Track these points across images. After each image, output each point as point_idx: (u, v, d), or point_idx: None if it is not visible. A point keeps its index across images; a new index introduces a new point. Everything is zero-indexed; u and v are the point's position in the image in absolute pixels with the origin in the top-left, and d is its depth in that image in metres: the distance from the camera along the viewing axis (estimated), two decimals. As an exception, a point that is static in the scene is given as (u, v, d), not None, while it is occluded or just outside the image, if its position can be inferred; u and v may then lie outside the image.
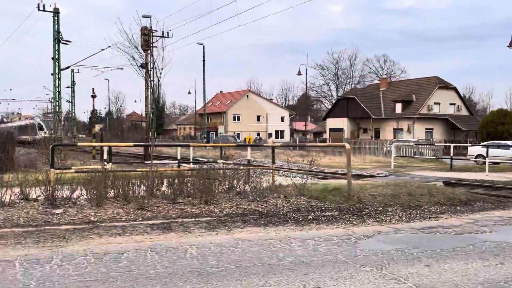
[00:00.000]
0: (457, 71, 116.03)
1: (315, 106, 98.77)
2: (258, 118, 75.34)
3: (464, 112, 53.66)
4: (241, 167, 10.92)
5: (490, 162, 18.68)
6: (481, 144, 26.82)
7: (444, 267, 4.69)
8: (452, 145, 21.66)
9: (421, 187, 9.71)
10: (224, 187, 9.15)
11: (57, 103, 33.86)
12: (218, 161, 13.70)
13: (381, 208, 8.22)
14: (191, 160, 15.61)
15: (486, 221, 7.40)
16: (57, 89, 33.76)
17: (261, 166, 12.31)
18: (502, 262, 4.91)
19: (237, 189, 9.18)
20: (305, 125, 57.87)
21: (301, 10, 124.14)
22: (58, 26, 33.42)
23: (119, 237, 5.87)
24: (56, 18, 33.21)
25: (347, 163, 9.13)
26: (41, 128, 48.05)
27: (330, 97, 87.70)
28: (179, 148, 14.19)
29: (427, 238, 6.13)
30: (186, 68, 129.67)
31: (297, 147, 35.76)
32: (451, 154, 20.10)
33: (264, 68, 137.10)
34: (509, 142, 25.19)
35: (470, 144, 29.51)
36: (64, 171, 9.29)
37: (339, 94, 76.68)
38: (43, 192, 7.70)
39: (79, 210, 7.28)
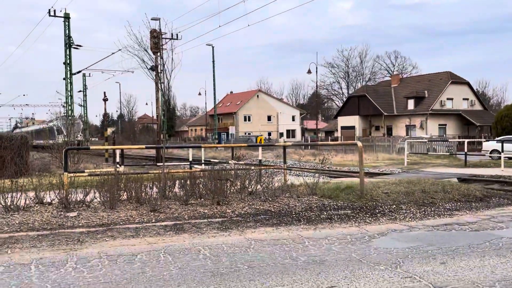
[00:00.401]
0: (470, 65, 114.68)
1: (326, 104, 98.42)
2: (269, 118, 75.30)
3: (477, 107, 52.99)
4: (253, 167, 10.91)
5: (505, 157, 18.39)
6: (496, 139, 26.43)
7: (460, 265, 4.62)
8: (466, 140, 21.36)
9: (435, 184, 9.59)
10: (236, 187, 9.15)
11: (69, 107, 34.26)
12: (230, 161, 13.73)
13: (394, 206, 8.15)
14: (203, 161, 15.68)
15: (502, 217, 7.28)
16: (69, 93, 34.18)
17: (272, 166, 12.30)
18: (519, 258, 4.82)
19: (249, 189, 9.17)
20: (316, 124, 57.65)
21: (310, 8, 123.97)
22: (69, 31, 33.82)
23: (133, 239, 5.90)
24: (66, 23, 33.60)
25: (359, 161, 9.06)
26: (60, 132, 46.16)
27: (341, 95, 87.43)
28: (190, 150, 14.25)
29: (442, 236, 6.05)
30: (196, 70, 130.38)
31: (309, 146, 35.64)
32: (465, 150, 19.84)
33: (274, 68, 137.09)
34: (524, 137, 24.77)
35: (484, 139, 29.10)
36: (78, 174, 9.39)
37: (350, 92, 76.33)
38: (57, 196, 7.79)
39: (92, 213, 7.34)
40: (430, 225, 6.71)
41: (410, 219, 7.20)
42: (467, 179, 13.26)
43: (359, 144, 9.21)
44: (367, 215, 7.48)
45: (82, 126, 46.05)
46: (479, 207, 8.28)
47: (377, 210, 7.82)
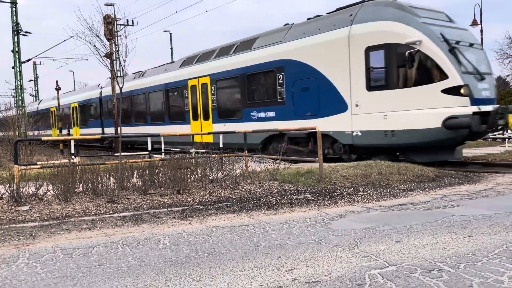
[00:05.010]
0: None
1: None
2: (230, 105, 74.69)
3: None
4: (213, 155, 10.83)
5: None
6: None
7: (413, 242, 4.79)
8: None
9: (390, 166, 9.88)
10: (196, 175, 9.07)
11: (19, 97, 32.68)
12: (191, 150, 13.53)
13: (352, 189, 8.33)
14: (163, 150, 15.39)
15: (453, 196, 7.60)
16: (18, 82, 32.58)
17: (233, 153, 12.26)
18: (469, 234, 5.05)
19: (210, 177, 9.11)
20: (277, 111, 57.91)
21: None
22: (17, 17, 32.12)
23: (89, 231, 5.73)
24: (14, 9, 31.90)
25: (318, 146, 9.19)
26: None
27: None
28: (149, 139, 13.95)
29: (397, 215, 6.25)
30: (155, 56, 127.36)
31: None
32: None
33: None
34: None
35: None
36: (30, 167, 8.99)
37: (310, 78, 76.72)
38: (8, 190, 7.43)
39: (46, 206, 7.06)
40: (386, 206, 6.92)
41: (367, 201, 7.39)
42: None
43: (318, 129, 9.33)
44: (326, 198, 7.61)
45: None
46: (432, 187, 8.62)
47: (335, 193, 7.98)
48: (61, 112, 30.82)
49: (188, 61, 18.82)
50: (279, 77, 13.85)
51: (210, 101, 16.85)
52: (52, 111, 33.76)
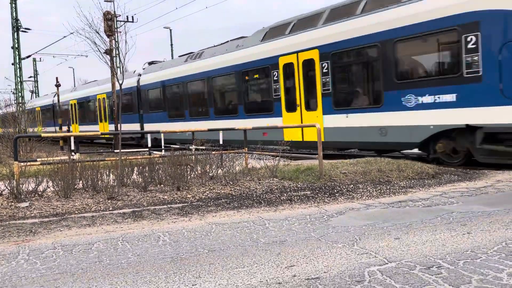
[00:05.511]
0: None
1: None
2: (230, 102, 74.57)
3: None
4: (213, 152, 10.85)
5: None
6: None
7: (413, 239, 4.80)
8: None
9: (390, 163, 9.88)
10: (196, 172, 9.08)
11: (19, 94, 32.68)
12: (190, 146, 13.56)
13: (352, 185, 8.34)
14: (163, 147, 15.40)
15: (453, 193, 7.60)
16: (18, 79, 32.58)
17: (233, 150, 12.29)
18: (469, 231, 5.05)
19: (209, 174, 9.12)
20: (277, 107, 57.86)
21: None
22: (16, 13, 32.09)
23: (89, 228, 5.74)
24: (13, 5, 31.85)
25: (318, 143, 9.18)
26: None
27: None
28: (149, 135, 13.98)
29: (397, 212, 6.26)
30: (154, 53, 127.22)
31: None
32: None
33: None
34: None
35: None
36: (30, 163, 9.01)
37: (310, 75, 76.47)
38: (7, 186, 7.44)
39: (46, 202, 7.07)
40: (386, 203, 6.92)
41: (366, 198, 7.40)
42: (421, 158, 13.73)
43: (318, 126, 9.32)
44: (326, 195, 7.62)
45: None
46: (431, 184, 8.62)
47: (335, 190, 7.98)
48: (84, 105, 28.77)
49: (274, 32, 13.95)
50: (469, 39, 8.98)
51: (319, 84, 12.19)
52: (72, 104, 30.64)
